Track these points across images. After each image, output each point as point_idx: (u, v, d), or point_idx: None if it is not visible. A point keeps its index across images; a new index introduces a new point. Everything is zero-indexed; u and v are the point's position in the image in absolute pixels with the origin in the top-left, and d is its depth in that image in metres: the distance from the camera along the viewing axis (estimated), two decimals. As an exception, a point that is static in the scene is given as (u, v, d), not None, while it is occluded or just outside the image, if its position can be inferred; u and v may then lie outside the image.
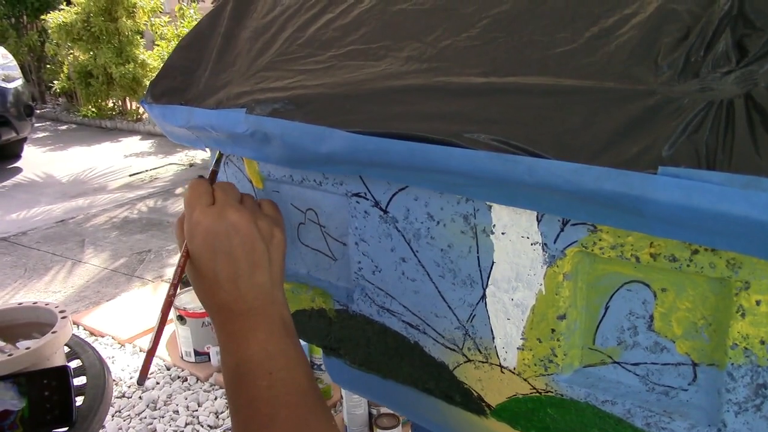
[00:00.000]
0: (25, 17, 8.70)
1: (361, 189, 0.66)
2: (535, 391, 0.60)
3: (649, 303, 0.52)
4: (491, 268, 0.59)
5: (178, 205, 4.63)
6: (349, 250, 0.70)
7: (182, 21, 6.64)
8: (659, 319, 0.52)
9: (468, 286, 0.61)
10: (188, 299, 2.52)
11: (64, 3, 7.75)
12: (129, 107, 7.70)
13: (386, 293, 0.68)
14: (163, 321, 0.61)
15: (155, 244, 3.86)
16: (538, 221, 0.54)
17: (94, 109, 7.68)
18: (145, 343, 2.71)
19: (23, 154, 6.27)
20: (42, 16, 7.84)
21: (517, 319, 0.59)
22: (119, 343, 2.73)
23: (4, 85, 5.70)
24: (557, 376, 0.58)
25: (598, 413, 0.56)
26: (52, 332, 1.01)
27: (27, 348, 0.97)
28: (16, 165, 6.04)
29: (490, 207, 0.57)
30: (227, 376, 0.62)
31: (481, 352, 0.63)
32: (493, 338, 0.61)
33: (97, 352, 1.15)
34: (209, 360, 2.49)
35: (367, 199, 0.66)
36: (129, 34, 7.26)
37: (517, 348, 0.60)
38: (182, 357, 2.54)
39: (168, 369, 2.55)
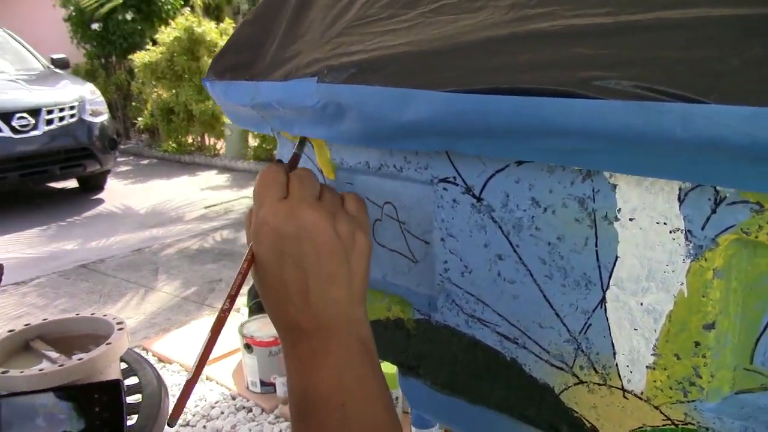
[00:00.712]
0: (113, 57, 9.11)
1: (450, 173, 0.55)
2: (669, 422, 0.47)
3: (834, 307, 0.40)
4: (614, 264, 0.47)
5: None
6: (433, 249, 0.60)
7: (260, 58, 6.77)
8: None
9: (582, 288, 0.49)
10: (255, 327, 2.46)
11: (151, 44, 8.07)
12: (207, 143, 7.89)
13: (477, 299, 0.57)
14: (211, 342, 0.50)
15: (226, 274, 3.85)
16: (680, 201, 0.43)
17: (174, 145, 7.90)
18: (212, 371, 2.66)
19: (106, 186, 6.47)
20: (129, 56, 8.19)
21: (647, 330, 0.47)
22: (186, 371, 2.68)
23: (91, 119, 5.92)
24: (701, 403, 0.45)
25: (760, 455, 0.43)
26: (107, 343, 0.94)
27: (80, 359, 0.91)
28: (98, 196, 6.23)
29: (615, 186, 0.45)
30: (293, 405, 0.52)
31: (597, 372, 0.50)
32: (614, 354, 0.49)
33: (155, 369, 1.08)
34: (275, 391, 2.40)
35: (457, 185, 0.55)
36: (209, 72, 7.47)
37: (647, 366, 0.47)
38: (248, 387, 2.47)
39: (233, 398, 2.47)
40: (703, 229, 0.42)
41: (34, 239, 4.89)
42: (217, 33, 7.49)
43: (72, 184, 6.53)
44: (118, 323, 1.00)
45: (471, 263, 0.56)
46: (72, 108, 5.81)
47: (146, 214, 5.54)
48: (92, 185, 6.38)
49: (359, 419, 0.50)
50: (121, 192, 6.38)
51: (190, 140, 7.96)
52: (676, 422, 0.47)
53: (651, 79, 0.37)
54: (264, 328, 2.45)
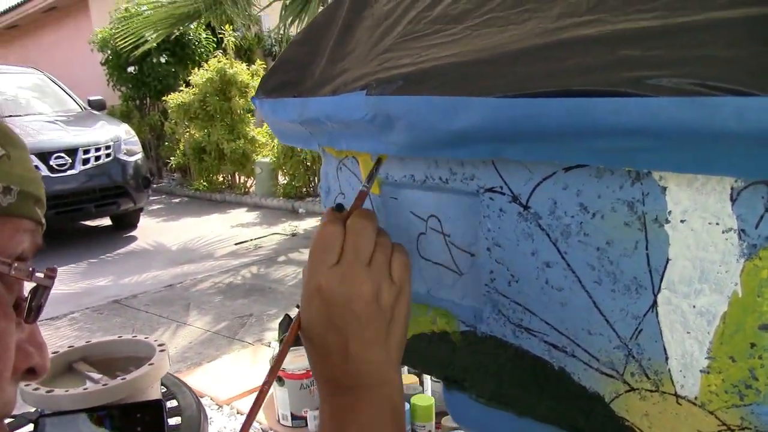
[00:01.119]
0: (148, 99, 9.37)
1: (497, 182, 0.56)
2: (725, 428, 0.47)
3: None
4: (665, 267, 0.47)
5: (280, 272, 4.67)
6: (479, 260, 0.60)
7: (290, 98, 6.90)
8: None
9: (633, 292, 0.49)
10: (287, 360, 2.46)
11: (184, 85, 8.28)
12: (237, 181, 8.01)
13: (524, 308, 0.57)
14: (253, 412, 0.53)
15: (257, 309, 3.87)
16: (733, 201, 0.43)
17: (205, 183, 8.03)
18: (243, 405, 2.65)
19: (138, 224, 6.58)
20: (163, 98, 8.41)
21: (700, 332, 0.46)
22: (218, 405, 2.68)
23: (125, 158, 6.07)
24: (758, 407, 0.45)
25: (822, 458, 0.42)
26: (149, 364, 0.95)
27: (123, 379, 0.92)
28: (131, 234, 6.34)
29: (665, 189, 0.46)
30: None
31: (649, 378, 0.50)
32: (667, 359, 0.49)
33: (194, 393, 1.09)
34: (306, 425, 2.39)
35: (504, 194, 0.56)
36: (240, 113, 7.63)
37: (701, 371, 0.47)
38: (279, 420, 2.46)
39: (264, 432, 2.46)
40: (756, 227, 0.42)
41: (67, 276, 4.97)
42: (248, 74, 7.67)
43: (105, 222, 6.66)
44: (159, 345, 1.02)
45: (518, 272, 0.57)
46: (108, 148, 5.96)
47: (178, 250, 5.61)
48: (125, 223, 6.50)
49: None
50: (153, 229, 6.48)
51: (220, 179, 8.09)
52: (732, 427, 0.46)
53: (703, 75, 0.38)
54: (296, 360, 2.45)
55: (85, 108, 6.89)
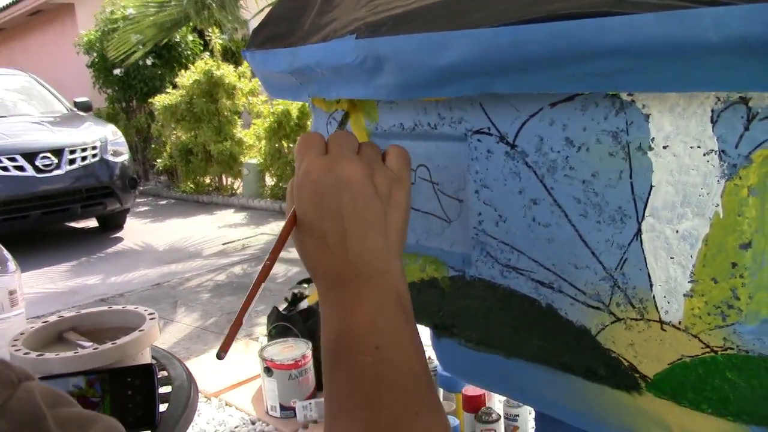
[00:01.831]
0: (134, 101, 9.32)
1: (484, 123, 0.57)
2: (708, 350, 0.48)
3: None
4: (649, 194, 0.48)
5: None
6: (467, 203, 0.61)
7: (277, 100, 6.90)
8: None
9: (618, 222, 0.51)
10: (275, 351, 2.45)
11: (171, 87, 8.26)
12: (225, 183, 7.98)
13: (512, 248, 0.58)
14: (255, 288, 0.53)
15: (245, 306, 3.86)
16: (713, 123, 0.44)
17: (192, 185, 8.00)
18: (232, 397, 2.65)
19: (125, 225, 6.55)
20: (150, 100, 8.38)
21: (683, 257, 0.48)
22: (206, 397, 2.67)
23: (112, 159, 6.03)
24: (740, 326, 0.46)
25: (801, 371, 0.44)
26: (140, 330, 0.96)
27: (113, 343, 0.92)
28: (118, 235, 6.30)
29: (648, 116, 0.47)
30: (325, 351, 0.52)
31: (634, 307, 0.51)
32: (651, 286, 0.50)
33: (184, 365, 1.09)
34: (295, 415, 2.38)
35: (491, 135, 0.57)
36: (228, 114, 7.61)
37: (684, 295, 0.48)
38: (267, 411, 2.45)
39: (253, 423, 2.45)
40: (736, 147, 0.43)
41: (54, 275, 4.93)
42: (235, 76, 7.66)
43: (92, 223, 6.61)
44: (150, 314, 1.02)
45: (505, 212, 0.58)
46: (94, 148, 5.92)
47: (165, 250, 5.58)
48: (112, 224, 6.46)
49: (392, 363, 0.50)
50: (140, 230, 6.45)
51: (207, 180, 8.06)
52: (716, 349, 0.47)
53: (683, -10, 0.39)
54: (284, 351, 2.45)
55: (71, 109, 6.86)
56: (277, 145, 6.80)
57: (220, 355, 0.51)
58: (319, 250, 0.53)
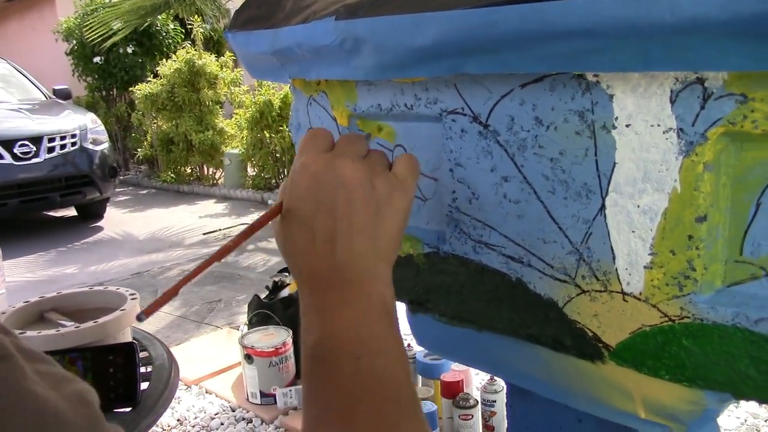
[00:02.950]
0: (114, 90, 9.24)
1: (458, 104, 0.59)
2: (666, 318, 0.51)
3: (815, 190, 0.43)
4: (612, 170, 0.51)
5: (249, 261, 4.66)
6: (442, 181, 0.64)
7: (260, 89, 6.89)
8: (829, 209, 0.43)
9: (583, 198, 0.53)
10: (256, 338, 2.47)
11: (152, 76, 8.19)
12: (206, 173, 7.95)
13: (484, 224, 0.61)
14: (205, 264, 0.51)
15: (226, 295, 3.86)
16: (672, 102, 0.47)
17: (173, 175, 7.95)
18: (212, 384, 2.66)
19: (105, 215, 6.50)
20: (130, 89, 8.31)
21: (644, 230, 0.50)
22: (186, 385, 2.68)
23: (92, 147, 5.98)
24: (696, 295, 0.49)
25: (750, 337, 0.46)
26: (121, 310, 0.97)
27: (95, 322, 0.93)
28: (98, 224, 6.26)
29: (612, 96, 0.50)
30: (306, 358, 0.50)
31: (598, 279, 0.54)
32: (614, 258, 0.52)
33: (165, 345, 1.10)
34: (275, 402, 2.40)
35: (465, 115, 0.59)
36: (209, 104, 7.57)
37: (644, 267, 0.51)
38: (248, 398, 2.46)
39: (233, 410, 2.47)
40: (693, 125, 0.46)
41: (32, 264, 4.90)
42: (217, 66, 7.62)
43: (71, 212, 6.56)
44: (131, 294, 1.03)
45: (478, 189, 0.60)
46: (74, 136, 5.87)
47: (145, 240, 5.56)
48: (91, 213, 6.41)
49: (373, 373, 0.47)
50: (119, 220, 6.41)
51: (189, 170, 8.02)
52: (673, 318, 0.50)
53: (642, -26, 0.41)
54: (264, 339, 2.46)
55: (50, 97, 6.78)
56: (259, 136, 6.78)
57: (141, 317, 0.48)
58: (306, 248, 0.51)
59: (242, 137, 7.23)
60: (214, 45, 9.04)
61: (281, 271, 2.98)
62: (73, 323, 0.98)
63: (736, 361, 0.47)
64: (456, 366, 2.13)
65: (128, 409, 0.89)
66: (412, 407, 0.48)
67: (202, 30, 7.85)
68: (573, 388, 0.59)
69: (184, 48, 7.85)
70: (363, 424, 0.46)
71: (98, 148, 6.06)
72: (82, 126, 6.01)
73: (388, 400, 0.47)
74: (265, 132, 6.75)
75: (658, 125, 0.48)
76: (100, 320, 0.94)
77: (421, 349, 2.00)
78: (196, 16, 7.74)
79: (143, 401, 0.90)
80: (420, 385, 2.22)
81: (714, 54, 0.41)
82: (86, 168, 5.86)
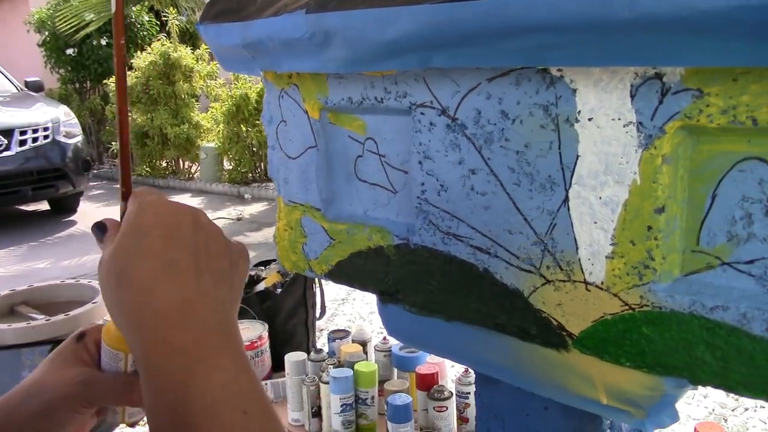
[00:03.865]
0: (88, 82, 9.11)
1: (427, 97, 0.60)
2: (627, 307, 0.52)
3: (766, 182, 0.45)
4: (575, 163, 0.52)
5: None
6: (411, 174, 0.64)
7: (236, 83, 6.85)
8: (780, 200, 0.44)
9: (548, 190, 0.54)
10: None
11: (126, 68, 8.10)
12: (182, 166, 7.89)
13: (452, 216, 0.62)
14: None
15: (201, 289, 3.84)
16: (632, 96, 0.48)
17: (148, 169, 7.88)
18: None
19: (78, 209, 6.43)
20: (104, 81, 8.21)
21: (605, 221, 0.52)
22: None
23: (65, 140, 5.91)
24: (654, 284, 0.50)
25: (706, 324, 0.48)
26: (93, 302, 0.97)
27: (66, 315, 0.93)
28: (71, 218, 6.19)
29: (575, 90, 0.51)
30: (163, 424, 0.41)
31: (562, 269, 0.55)
32: (577, 249, 0.54)
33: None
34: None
35: (433, 108, 0.60)
36: (185, 97, 7.51)
37: (606, 257, 0.52)
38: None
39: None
40: (652, 119, 0.47)
41: (3, 259, 4.83)
42: (193, 58, 7.55)
43: (43, 206, 6.48)
44: (103, 287, 1.03)
45: (446, 181, 0.61)
46: (46, 129, 5.79)
47: (120, 234, 5.50)
48: (64, 207, 6.33)
49: (262, 429, 0.42)
50: (93, 214, 6.33)
51: (164, 164, 7.96)
52: (633, 306, 0.52)
53: (602, -28, 0.42)
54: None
55: (21, 89, 6.68)
56: (235, 129, 6.74)
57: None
58: (153, 285, 0.43)
59: (218, 131, 7.18)
60: (189, 37, 8.96)
61: (257, 265, 2.98)
62: (44, 316, 0.97)
63: (692, 348, 0.49)
64: (431, 358, 2.15)
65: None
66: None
67: (177, 22, 7.78)
68: (539, 376, 0.61)
69: (159, 40, 7.78)
70: None
71: (71, 141, 5.98)
72: (55, 119, 5.93)
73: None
74: (242, 126, 6.72)
75: (619, 119, 0.49)
76: (72, 313, 0.94)
77: (397, 342, 2.02)
78: (171, 8, 7.67)
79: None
80: (395, 377, 2.24)
81: (671, 49, 0.42)
82: (59, 161, 5.79)
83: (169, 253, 0.44)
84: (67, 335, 0.98)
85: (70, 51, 8.66)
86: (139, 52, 7.79)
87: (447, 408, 2.08)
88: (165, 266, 0.43)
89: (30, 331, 0.90)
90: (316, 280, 2.53)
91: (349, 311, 3.37)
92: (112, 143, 8.37)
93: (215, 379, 0.41)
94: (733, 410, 2.23)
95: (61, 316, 0.93)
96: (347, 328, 2.38)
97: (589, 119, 0.51)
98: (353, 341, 2.41)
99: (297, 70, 0.65)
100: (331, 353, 2.21)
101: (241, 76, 7.11)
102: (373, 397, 2.18)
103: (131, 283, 0.43)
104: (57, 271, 4.48)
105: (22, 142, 5.57)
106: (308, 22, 0.59)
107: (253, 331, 2.47)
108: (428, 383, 2.10)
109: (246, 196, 6.68)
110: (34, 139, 5.67)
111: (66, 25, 5.76)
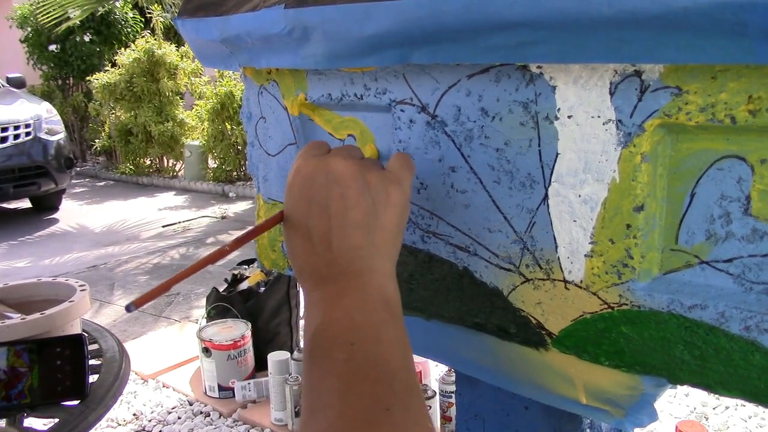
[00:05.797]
0: (71, 79, 9.03)
1: (407, 94, 0.60)
2: (606, 306, 0.52)
3: (745, 181, 0.45)
4: (555, 161, 0.52)
5: (208, 253, 4.61)
6: (391, 172, 0.64)
7: (221, 80, 6.81)
8: (758, 199, 0.44)
9: (527, 188, 0.54)
10: (214, 331, 2.45)
11: (110, 65, 8.03)
12: (166, 164, 7.84)
13: (432, 214, 0.61)
14: (200, 264, 0.51)
15: (184, 288, 3.81)
16: (612, 94, 0.48)
17: (131, 166, 7.82)
18: (169, 378, 2.63)
19: (60, 207, 6.37)
20: (87, 78, 8.13)
21: (584, 219, 0.51)
22: (142, 379, 2.65)
23: (46, 137, 5.84)
24: (633, 283, 0.50)
25: (684, 323, 0.48)
26: (69, 301, 0.95)
27: (42, 313, 0.91)
28: (52, 216, 6.13)
29: (554, 88, 0.50)
30: (304, 349, 0.50)
31: (541, 268, 0.55)
32: (556, 247, 0.53)
33: (116, 337, 1.08)
34: (233, 396, 2.39)
35: (413, 105, 0.60)
36: (169, 95, 7.46)
37: (585, 255, 0.52)
38: (205, 392, 2.45)
39: (191, 404, 2.45)
40: (631, 117, 0.47)
41: (-16, 257, 4.78)
42: (177, 56, 7.50)
43: (25, 204, 6.41)
44: (80, 286, 1.01)
45: (426, 179, 0.61)
46: (27, 126, 5.73)
47: (102, 232, 5.46)
48: (46, 205, 6.28)
49: (367, 359, 0.47)
50: (76, 212, 6.28)
51: (148, 162, 7.90)
52: (612, 305, 0.51)
53: (581, -32, 0.42)
54: (222, 332, 2.44)
55: (3, 85, 6.60)
56: (220, 127, 6.71)
57: (130, 308, 0.47)
58: (305, 248, 0.52)
59: (203, 129, 7.14)
60: (174, 34, 8.89)
61: (240, 263, 2.96)
62: (19, 315, 0.96)
63: (671, 347, 0.49)
64: (415, 358, 2.15)
65: (76, 402, 0.87)
66: (409, 396, 0.46)
67: (162, 19, 7.72)
68: (518, 376, 0.60)
69: (143, 37, 7.72)
70: (352, 408, 0.44)
71: (53, 138, 5.93)
72: (37, 115, 5.87)
73: (379, 384, 0.46)
74: (227, 124, 6.69)
75: (598, 116, 0.49)
76: (48, 312, 0.92)
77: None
78: (156, 5, 7.61)
79: (92, 394, 0.89)
80: (379, 377, 2.23)
81: (649, 47, 0.42)
82: (41, 158, 5.73)
83: (310, 219, 0.51)
84: (43, 334, 0.97)
85: (52, 47, 8.58)
86: (123, 49, 7.72)
87: (430, 407, 2.08)
88: (306, 234, 0.52)
89: (5, 330, 0.89)
90: (300, 278, 2.49)
91: (334, 310, 3.36)
92: (95, 140, 8.30)
93: (334, 317, 0.49)
94: (714, 409, 2.25)
95: (36, 315, 0.92)
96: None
97: (569, 117, 0.50)
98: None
99: (276, 66, 0.65)
100: (314, 352, 2.18)
101: (226, 73, 7.07)
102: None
103: (295, 244, 0.53)
104: (38, 270, 4.44)
105: (3, 139, 5.51)
106: (287, 17, 0.59)
107: (236, 330, 2.46)
108: (411, 382, 2.09)
109: (230, 194, 6.65)
110: (16, 136, 5.61)
111: (48, 18, 5.69)
